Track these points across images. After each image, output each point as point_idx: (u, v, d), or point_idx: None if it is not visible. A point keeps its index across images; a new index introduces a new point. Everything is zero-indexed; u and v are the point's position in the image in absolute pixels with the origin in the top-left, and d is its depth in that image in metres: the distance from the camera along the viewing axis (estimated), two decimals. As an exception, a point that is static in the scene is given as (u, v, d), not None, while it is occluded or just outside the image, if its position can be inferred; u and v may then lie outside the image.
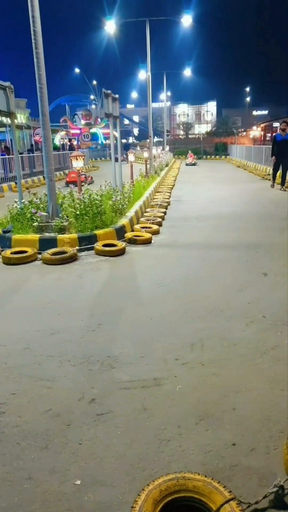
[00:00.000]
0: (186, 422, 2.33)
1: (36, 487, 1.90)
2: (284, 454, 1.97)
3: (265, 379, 2.75)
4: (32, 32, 6.23)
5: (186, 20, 17.90)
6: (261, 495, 1.75)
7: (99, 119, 25.10)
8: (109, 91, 8.60)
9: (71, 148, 26.31)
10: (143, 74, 25.66)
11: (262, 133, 53.31)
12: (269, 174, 18.28)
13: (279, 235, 6.95)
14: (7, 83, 6.88)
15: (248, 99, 66.90)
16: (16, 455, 2.11)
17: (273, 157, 13.42)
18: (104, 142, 36.92)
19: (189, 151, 32.33)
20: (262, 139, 51.65)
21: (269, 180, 16.70)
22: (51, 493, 1.86)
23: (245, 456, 2.07)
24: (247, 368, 2.88)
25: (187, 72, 36.12)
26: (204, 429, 2.28)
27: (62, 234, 6.31)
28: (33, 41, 6.24)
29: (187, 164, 28.49)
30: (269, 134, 53.22)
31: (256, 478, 1.93)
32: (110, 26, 16.99)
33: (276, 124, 49.83)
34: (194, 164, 28.26)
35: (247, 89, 66.62)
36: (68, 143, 28.22)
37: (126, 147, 28.02)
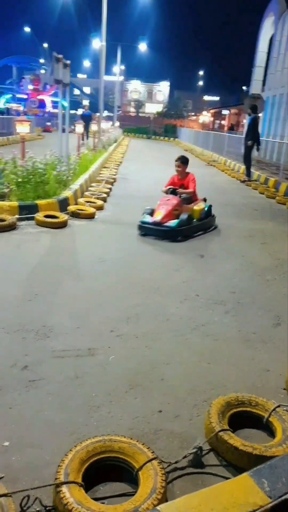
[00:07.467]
0: (116, 390, 2.42)
1: None
2: (205, 420, 2.13)
3: (193, 353, 2.91)
4: None
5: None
6: (182, 456, 1.90)
7: (48, 86, 23.90)
8: (60, 56, 8.21)
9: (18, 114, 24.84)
10: (97, 43, 24.71)
11: (211, 119, 54.19)
12: (214, 161, 18.76)
13: (218, 219, 7.21)
14: None
15: (200, 83, 67.52)
16: None
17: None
18: (51, 110, 35.25)
19: (176, 163, 7.05)
20: (212, 125, 52.59)
21: (214, 166, 17.11)
22: (-22, 456, 1.87)
23: (170, 422, 2.21)
24: (178, 342, 3.03)
25: (143, 47, 35.58)
26: (133, 397, 2.38)
27: (2, 201, 6.05)
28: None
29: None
30: (218, 121, 54.34)
31: (178, 441, 2.07)
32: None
33: (225, 112, 50.90)
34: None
35: (201, 73, 67.14)
36: (15, 109, 26.66)
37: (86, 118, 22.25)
